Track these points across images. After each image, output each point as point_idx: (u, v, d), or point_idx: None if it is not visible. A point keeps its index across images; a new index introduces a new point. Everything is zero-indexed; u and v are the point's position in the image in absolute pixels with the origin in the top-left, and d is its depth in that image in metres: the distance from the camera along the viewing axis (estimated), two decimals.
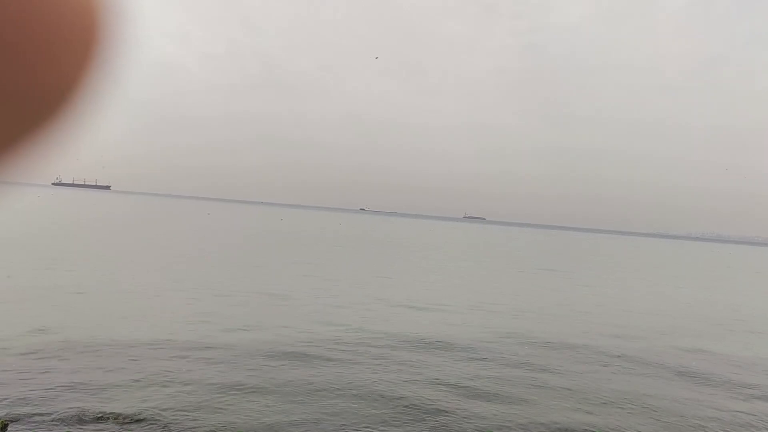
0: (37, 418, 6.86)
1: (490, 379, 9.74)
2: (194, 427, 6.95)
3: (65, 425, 6.77)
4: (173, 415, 7.21)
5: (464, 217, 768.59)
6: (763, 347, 15.20)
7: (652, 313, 19.68)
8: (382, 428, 7.33)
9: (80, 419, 6.94)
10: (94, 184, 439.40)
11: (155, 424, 6.96)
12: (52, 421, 6.84)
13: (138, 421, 6.99)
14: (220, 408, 7.57)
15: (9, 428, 6.61)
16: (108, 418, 7.02)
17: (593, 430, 7.79)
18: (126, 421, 6.98)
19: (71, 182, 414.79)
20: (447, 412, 8.03)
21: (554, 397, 9.07)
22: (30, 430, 6.61)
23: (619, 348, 13.15)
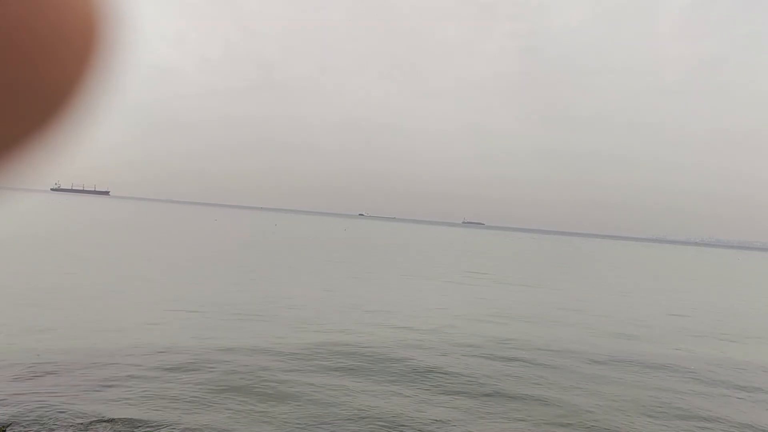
0: (35, 423, 6.88)
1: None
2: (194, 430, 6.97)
3: (63, 430, 6.78)
4: (172, 420, 7.23)
5: (463, 223, 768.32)
6: None
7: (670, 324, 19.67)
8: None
9: (79, 424, 6.95)
10: (93, 189, 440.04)
11: (153, 428, 6.98)
12: (50, 425, 6.86)
13: (137, 425, 7.01)
14: (219, 413, 7.59)
15: None
16: (107, 422, 7.03)
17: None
18: (126, 426, 6.99)
19: (70, 187, 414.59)
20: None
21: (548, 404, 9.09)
22: None
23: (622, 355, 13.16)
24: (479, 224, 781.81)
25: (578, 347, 13.26)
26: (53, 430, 6.76)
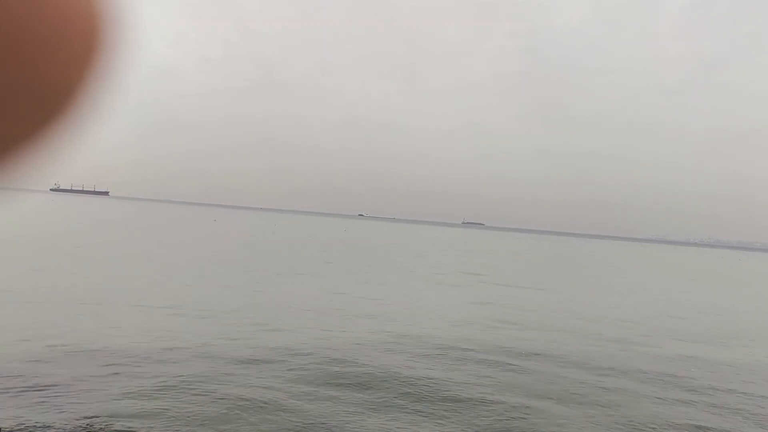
0: (33, 424, 6.86)
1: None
2: None
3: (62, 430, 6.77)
4: (169, 424, 7.22)
5: (463, 223, 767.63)
6: None
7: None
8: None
9: (78, 423, 6.94)
10: (92, 189, 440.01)
11: (151, 428, 6.96)
12: (49, 426, 6.84)
13: (135, 426, 6.99)
14: (216, 417, 7.58)
15: None
16: (105, 423, 7.02)
17: None
18: (124, 426, 6.98)
19: (69, 188, 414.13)
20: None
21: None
22: None
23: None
24: (479, 224, 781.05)
25: (577, 349, 13.25)
26: (52, 431, 6.75)
